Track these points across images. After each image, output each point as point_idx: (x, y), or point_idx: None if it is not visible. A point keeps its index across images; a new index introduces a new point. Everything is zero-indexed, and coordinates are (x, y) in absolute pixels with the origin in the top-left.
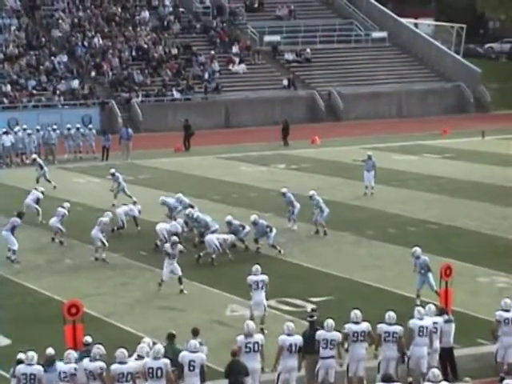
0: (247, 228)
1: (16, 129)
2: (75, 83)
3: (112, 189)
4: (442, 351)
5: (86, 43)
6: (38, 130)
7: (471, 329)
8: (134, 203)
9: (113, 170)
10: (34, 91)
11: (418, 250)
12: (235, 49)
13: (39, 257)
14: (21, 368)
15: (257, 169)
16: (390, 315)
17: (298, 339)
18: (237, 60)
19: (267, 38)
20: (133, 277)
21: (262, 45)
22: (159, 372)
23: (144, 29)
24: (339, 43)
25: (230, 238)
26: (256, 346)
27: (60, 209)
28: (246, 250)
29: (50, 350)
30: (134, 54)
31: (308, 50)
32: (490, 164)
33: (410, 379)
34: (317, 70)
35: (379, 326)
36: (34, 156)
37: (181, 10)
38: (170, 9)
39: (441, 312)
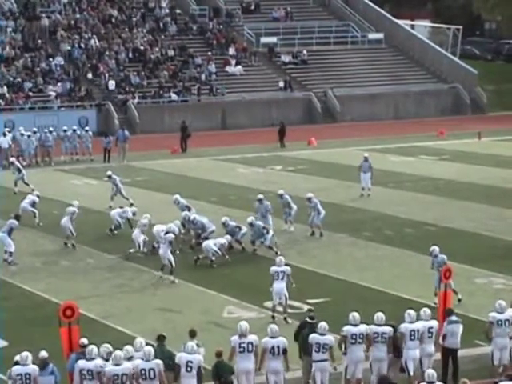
0: (244, 229)
1: (20, 132)
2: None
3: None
4: (447, 351)
5: (82, 45)
6: (34, 132)
7: (468, 330)
8: (131, 205)
9: (109, 172)
10: (31, 93)
11: (436, 248)
12: (232, 50)
13: (36, 259)
14: (15, 369)
15: (253, 170)
16: (379, 316)
17: (280, 341)
18: (233, 62)
19: (264, 40)
20: (129, 278)
21: (258, 46)
22: (152, 373)
23: (140, 30)
24: (335, 45)
25: (227, 240)
26: (250, 346)
27: (69, 208)
28: (243, 251)
29: (43, 354)
30: (130, 55)
31: (304, 52)
32: (487, 165)
33: None
34: (313, 72)
35: (368, 327)
36: (12, 159)
37: (177, 11)
38: (167, 10)
39: (448, 313)
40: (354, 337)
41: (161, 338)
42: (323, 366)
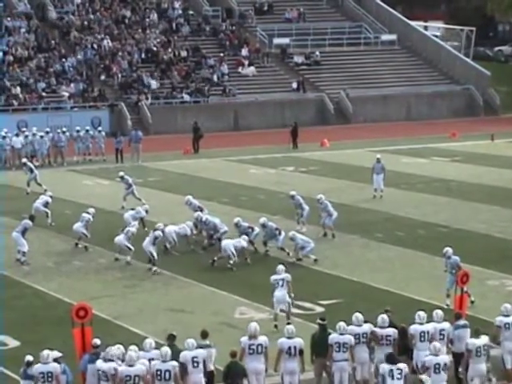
0: (256, 230)
1: (32, 131)
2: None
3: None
4: (456, 356)
5: (95, 46)
6: (47, 132)
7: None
8: (143, 205)
9: (122, 173)
10: (44, 93)
11: (449, 250)
12: (244, 51)
13: (48, 259)
14: (38, 367)
15: (265, 171)
16: (383, 318)
17: (297, 342)
18: (246, 63)
19: (276, 41)
20: (141, 279)
21: (271, 47)
22: (167, 374)
23: (153, 31)
24: (348, 46)
25: (245, 241)
26: (260, 347)
27: (84, 214)
28: (255, 252)
29: (56, 353)
30: (143, 56)
31: (317, 53)
32: (499, 167)
33: None
34: (326, 73)
35: (373, 329)
36: (24, 160)
37: (190, 12)
38: (180, 11)
39: (457, 317)
40: (357, 337)
41: (171, 338)
42: (343, 365)
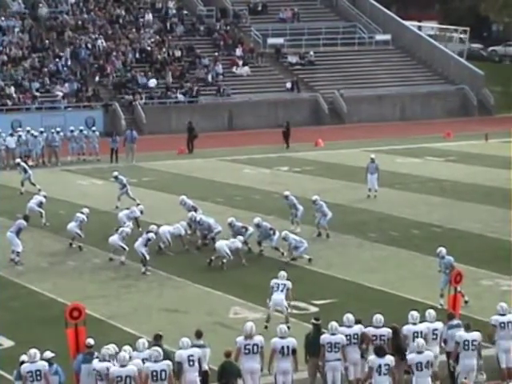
0: (250, 229)
1: (25, 131)
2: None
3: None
4: (450, 355)
5: (89, 45)
6: (41, 132)
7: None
8: (138, 205)
9: (116, 173)
10: (38, 93)
11: (443, 250)
12: (239, 51)
13: (42, 259)
14: (25, 367)
15: (260, 171)
16: (377, 318)
17: (290, 342)
18: (240, 62)
19: (271, 41)
20: (136, 279)
21: (265, 47)
22: (163, 374)
23: (147, 31)
24: (343, 46)
25: (240, 241)
26: (255, 347)
27: (78, 214)
28: (249, 252)
29: (48, 354)
30: (137, 56)
31: (311, 53)
32: (493, 167)
33: None
34: (320, 73)
35: (366, 329)
36: (18, 160)
37: (184, 12)
38: (174, 11)
39: (449, 317)
40: (348, 338)
41: (157, 338)
42: (335, 365)
